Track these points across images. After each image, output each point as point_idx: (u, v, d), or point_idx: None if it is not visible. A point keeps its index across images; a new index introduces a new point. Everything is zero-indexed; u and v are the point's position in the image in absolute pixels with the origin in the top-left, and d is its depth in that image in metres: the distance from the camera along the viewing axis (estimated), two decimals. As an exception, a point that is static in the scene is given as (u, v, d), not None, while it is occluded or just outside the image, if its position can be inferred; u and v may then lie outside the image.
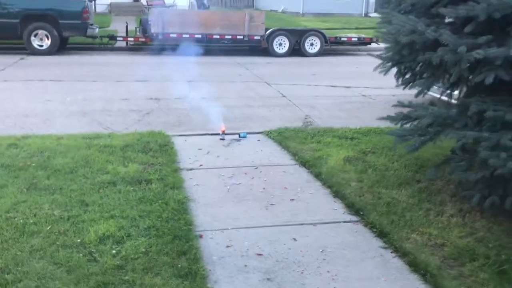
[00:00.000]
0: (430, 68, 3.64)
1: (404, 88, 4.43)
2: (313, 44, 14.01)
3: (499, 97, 3.47)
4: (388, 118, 4.29)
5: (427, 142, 3.97)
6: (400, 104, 4.10)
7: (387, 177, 4.55)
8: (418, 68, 3.84)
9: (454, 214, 3.81)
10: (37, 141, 5.10)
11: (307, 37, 13.96)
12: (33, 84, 8.78)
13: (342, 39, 14.91)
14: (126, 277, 2.77)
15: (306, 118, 7.34)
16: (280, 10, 31.72)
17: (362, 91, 9.15)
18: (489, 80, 3.13)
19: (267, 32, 13.79)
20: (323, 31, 14.50)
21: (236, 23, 13.62)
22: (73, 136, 5.36)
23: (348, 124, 6.61)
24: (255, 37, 13.75)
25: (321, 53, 13.91)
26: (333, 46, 14.45)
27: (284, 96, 8.72)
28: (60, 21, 12.40)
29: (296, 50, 14.01)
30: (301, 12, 27.05)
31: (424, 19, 3.55)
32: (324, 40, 13.99)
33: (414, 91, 4.23)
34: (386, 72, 4.40)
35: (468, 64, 3.20)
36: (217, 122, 6.08)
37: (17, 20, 12.09)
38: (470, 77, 3.38)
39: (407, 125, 4.20)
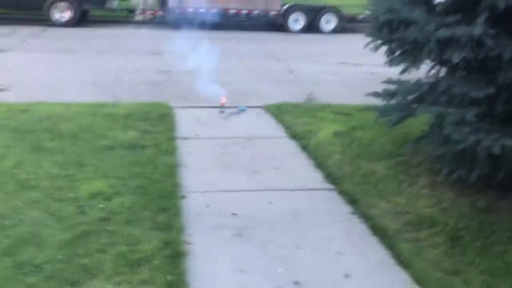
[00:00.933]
0: (407, 46, 3.81)
1: (390, 66, 4.60)
2: (329, 21, 14.04)
3: (470, 76, 3.64)
4: (374, 94, 4.49)
5: (406, 118, 4.18)
6: (387, 81, 4.30)
7: (370, 151, 4.77)
8: (395, 47, 4.00)
9: (425, 186, 4.03)
10: (47, 108, 5.47)
11: (323, 14, 13.99)
12: (50, 55, 9.18)
13: (360, 16, 14.84)
14: (109, 228, 3.10)
15: (309, 94, 7.51)
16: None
17: (371, 69, 9.23)
18: (456, 59, 3.30)
19: (283, 8, 13.88)
20: (341, 8, 14.43)
21: (252, -3, 13.74)
22: (81, 104, 5.72)
23: (349, 100, 6.77)
24: (271, 13, 13.85)
25: (337, 30, 13.94)
26: (350, 24, 14.42)
27: (291, 72, 8.92)
28: (80, -6, 12.75)
29: (313, 27, 14.07)
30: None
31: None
32: (341, 17, 14.00)
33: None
34: (375, 50, 4.57)
35: (437, 43, 3.37)
36: (220, 96, 6.34)
37: (39, -8, 12.49)
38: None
39: (393, 101, 4.41)
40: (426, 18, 3.32)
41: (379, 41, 4.11)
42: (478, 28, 3.10)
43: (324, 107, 6.34)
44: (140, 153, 4.38)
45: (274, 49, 11.07)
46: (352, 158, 4.58)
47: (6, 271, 2.62)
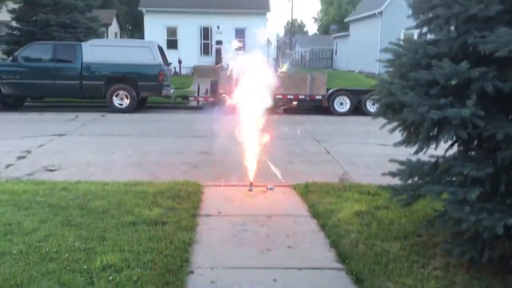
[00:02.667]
0: (410, 127, 3.91)
1: (406, 147, 4.67)
2: (375, 103, 14.25)
3: (472, 155, 3.66)
4: (390, 174, 4.55)
5: (418, 198, 4.18)
6: (393, 160, 4.36)
7: (388, 230, 4.73)
8: (401, 128, 4.11)
9: (439, 268, 3.91)
10: (85, 186, 5.91)
11: (369, 96, 14.26)
12: (104, 138, 9.94)
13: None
14: (112, 299, 3.27)
15: (343, 175, 7.60)
16: (357, 71, 32.27)
17: (410, 150, 9.22)
18: (449, 138, 3.37)
19: (328, 92, 14.34)
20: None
21: (299, 84, 14.35)
22: (117, 183, 6.12)
23: (381, 181, 6.76)
24: (317, 97, 14.33)
25: (382, 112, 14.10)
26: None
27: (328, 153, 9.07)
28: (139, 83, 13.88)
29: (358, 109, 14.35)
30: (376, 73, 27.36)
31: (402, 81, 3.88)
32: (386, 99, 14.21)
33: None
34: (391, 131, 4.68)
35: (432, 124, 3.46)
36: (253, 175, 6.56)
37: (102, 82, 13.74)
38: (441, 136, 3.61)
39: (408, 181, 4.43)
40: (419, 101, 3.45)
41: (386, 122, 4.23)
42: (466, 111, 3.18)
43: (351, 187, 6.38)
44: (160, 229, 4.60)
45: (316, 131, 11.35)
46: (368, 238, 4.56)
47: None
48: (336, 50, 41.51)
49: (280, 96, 14.13)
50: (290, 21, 55.53)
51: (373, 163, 8.33)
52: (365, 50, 30.91)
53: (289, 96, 14.22)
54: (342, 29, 44.33)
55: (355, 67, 32.95)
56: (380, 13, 29.42)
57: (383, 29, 28.58)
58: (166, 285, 3.51)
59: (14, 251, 3.98)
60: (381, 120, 4.52)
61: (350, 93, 14.51)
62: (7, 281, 3.45)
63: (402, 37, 24.14)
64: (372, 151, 9.29)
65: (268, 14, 28.18)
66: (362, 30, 33.52)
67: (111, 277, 3.58)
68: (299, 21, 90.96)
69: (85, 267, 3.74)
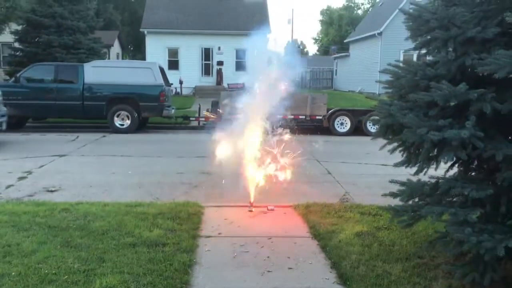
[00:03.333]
0: (409, 148, 3.93)
1: (406, 167, 4.67)
2: (375, 124, 14.31)
3: (472, 176, 3.66)
4: (391, 194, 4.54)
5: (418, 219, 4.16)
6: (393, 181, 4.37)
7: (390, 252, 4.70)
8: (401, 149, 4.12)
9: (440, 290, 3.89)
10: (86, 207, 5.90)
11: (369, 117, 14.32)
12: (104, 158, 9.96)
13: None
14: (110, 321, 3.24)
15: (344, 195, 7.59)
16: (357, 91, 32.44)
17: (412, 171, 9.22)
18: (450, 159, 3.38)
19: (329, 112, 14.39)
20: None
21: (299, 104, 14.41)
22: (118, 204, 6.12)
23: (383, 201, 6.74)
24: (317, 117, 14.38)
25: (383, 132, 14.14)
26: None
27: (329, 173, 9.07)
28: (140, 103, 13.95)
29: (359, 129, 14.39)
30: (376, 93, 27.52)
31: (402, 102, 3.90)
32: (386, 119, 14.25)
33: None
34: (392, 152, 4.70)
35: (432, 145, 3.48)
36: (253, 196, 6.55)
37: (104, 103, 13.82)
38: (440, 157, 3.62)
39: (410, 202, 4.42)
40: (418, 122, 3.47)
41: (386, 142, 4.25)
42: (465, 132, 3.20)
43: (352, 207, 6.37)
44: (160, 251, 4.58)
45: (316, 151, 11.34)
46: (369, 259, 4.53)
47: None
48: (336, 71, 41.82)
49: (280, 117, 14.16)
50: (291, 41, 56.04)
51: (374, 183, 8.31)
52: (365, 70, 31.17)
53: (289, 116, 14.26)
54: (342, 49, 44.74)
55: (355, 87, 33.15)
56: (380, 33, 29.74)
57: (383, 49, 28.86)
58: (165, 307, 3.49)
59: (13, 273, 3.95)
60: (382, 140, 4.54)
61: (350, 113, 14.58)
62: (6, 304, 3.43)
63: (401, 57, 24.40)
64: (373, 171, 9.29)
65: (268, 35, 28.49)
66: (362, 50, 33.83)
67: (110, 300, 3.55)
68: (299, 42, 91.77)
69: (84, 289, 3.72)
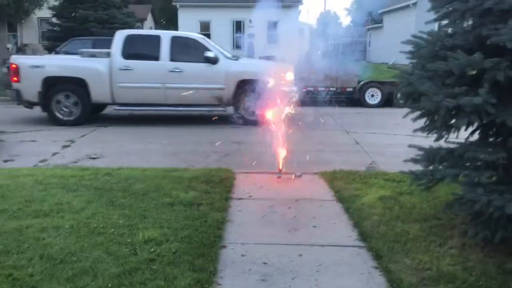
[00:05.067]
0: (426, 115, 4.16)
1: (427, 135, 4.90)
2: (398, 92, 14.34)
3: (486, 140, 3.89)
4: (412, 160, 4.80)
5: (437, 182, 4.41)
6: (411, 146, 4.62)
7: (409, 213, 4.99)
8: (420, 116, 4.35)
9: (455, 247, 4.16)
10: (126, 172, 6.37)
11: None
12: (141, 129, 10.45)
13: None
14: (153, 267, 3.68)
15: (371, 164, 7.84)
16: (390, 63, 32.01)
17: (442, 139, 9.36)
18: (463, 124, 3.61)
19: (359, 84, 14.48)
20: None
21: (330, 76, 14.53)
22: (155, 169, 6.57)
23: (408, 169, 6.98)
24: (347, 89, 14.50)
25: (413, 104, 14.17)
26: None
27: (357, 143, 9.30)
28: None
29: (390, 101, 14.44)
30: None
31: (421, 72, 4.12)
32: (417, 91, 14.25)
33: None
34: (414, 120, 4.92)
35: (447, 111, 3.71)
36: (282, 164, 6.89)
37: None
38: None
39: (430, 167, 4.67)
40: (435, 90, 3.70)
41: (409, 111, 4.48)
42: (478, 99, 3.42)
43: (377, 174, 6.63)
44: (195, 209, 5.00)
45: (346, 122, 11.57)
46: (389, 220, 4.83)
47: (66, 293, 3.27)
48: (369, 42, 41.20)
49: (312, 89, 14.37)
50: (323, 12, 55.24)
51: (402, 153, 8.41)
52: (399, 42, 30.58)
53: (320, 89, 14.44)
54: (375, 20, 43.86)
55: (389, 60, 32.66)
56: (414, 4, 29.10)
57: (417, 20, 28.26)
58: (201, 257, 3.90)
59: (66, 226, 4.45)
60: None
61: (381, 85, 14.60)
62: (63, 250, 3.91)
63: (436, 29, 23.91)
64: (401, 142, 9.41)
65: (300, 6, 28.34)
66: (396, 21, 33.22)
67: (152, 249, 3.99)
68: (332, 13, 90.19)
69: (129, 240, 4.17)
